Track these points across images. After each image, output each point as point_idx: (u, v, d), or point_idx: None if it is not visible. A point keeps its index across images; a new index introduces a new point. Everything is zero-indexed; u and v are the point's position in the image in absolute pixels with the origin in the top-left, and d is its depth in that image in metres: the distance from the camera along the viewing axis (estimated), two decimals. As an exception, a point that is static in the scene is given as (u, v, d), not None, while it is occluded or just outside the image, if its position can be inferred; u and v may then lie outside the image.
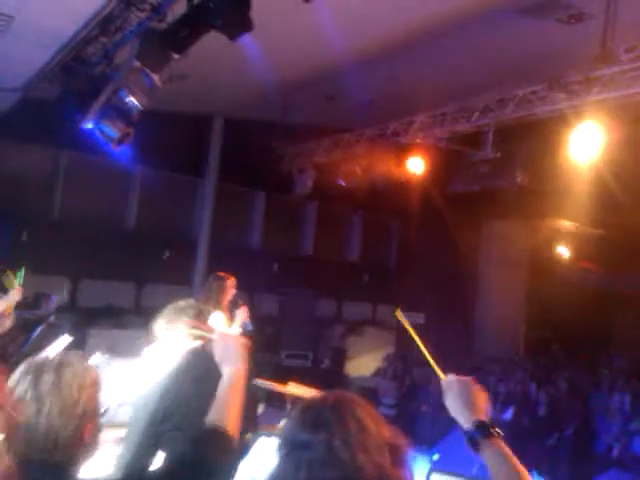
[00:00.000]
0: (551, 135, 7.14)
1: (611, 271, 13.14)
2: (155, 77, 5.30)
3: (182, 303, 3.53)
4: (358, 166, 9.44)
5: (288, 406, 7.00)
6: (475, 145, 7.80)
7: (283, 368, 11.44)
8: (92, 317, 10.42)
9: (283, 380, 7.08)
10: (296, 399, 6.91)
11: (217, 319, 5.97)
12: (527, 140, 7.69)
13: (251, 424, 3.56)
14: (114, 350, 5.27)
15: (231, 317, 6.08)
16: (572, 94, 6.35)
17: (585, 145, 6.38)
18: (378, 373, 13.03)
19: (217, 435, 1.96)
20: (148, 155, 9.06)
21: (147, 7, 5.00)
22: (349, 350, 13.41)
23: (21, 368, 1.78)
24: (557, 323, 13.37)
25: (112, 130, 6.11)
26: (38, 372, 1.75)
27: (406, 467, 1.50)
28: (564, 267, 13.29)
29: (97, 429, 1.85)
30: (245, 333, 6.19)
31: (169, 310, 3.46)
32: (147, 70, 5.01)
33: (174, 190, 11.48)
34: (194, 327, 3.37)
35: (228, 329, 5.97)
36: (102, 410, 1.93)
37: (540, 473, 5.88)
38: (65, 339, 4.87)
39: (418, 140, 8.30)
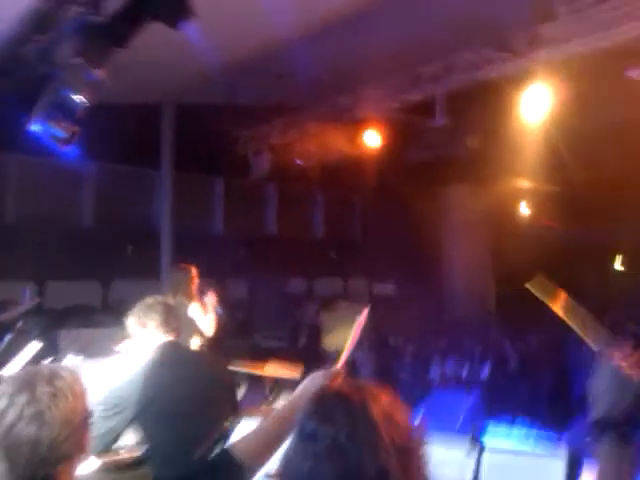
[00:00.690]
0: (502, 98, 7.22)
1: (570, 226, 13.44)
2: (98, 72, 5.19)
3: (150, 300, 3.55)
4: (313, 144, 9.41)
5: (267, 388, 7.08)
6: (428, 114, 7.84)
7: (260, 350, 11.47)
8: (61, 318, 10.29)
9: (261, 362, 7.13)
10: (276, 380, 7.00)
11: (194, 311, 6.03)
12: (478, 105, 7.76)
13: (231, 411, 3.61)
14: (86, 350, 5.23)
15: (203, 305, 6.15)
16: (517, 55, 6.43)
17: (534, 106, 6.48)
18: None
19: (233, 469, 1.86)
20: (99, 150, 8.88)
21: (83, 1, 4.86)
22: (324, 326, 13.51)
23: (3, 387, 1.74)
24: (525, 279, 13.60)
25: (58, 130, 5.96)
26: (31, 387, 1.71)
27: (420, 472, 1.46)
28: (526, 226, 13.55)
29: (90, 436, 1.86)
30: (219, 317, 6.27)
31: (138, 309, 3.49)
32: (89, 66, 4.89)
33: (130, 183, 11.32)
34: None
35: (204, 318, 6.03)
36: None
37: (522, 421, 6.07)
38: (34, 345, 4.81)
39: (371, 113, 8.31)
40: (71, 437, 1.72)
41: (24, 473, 1.54)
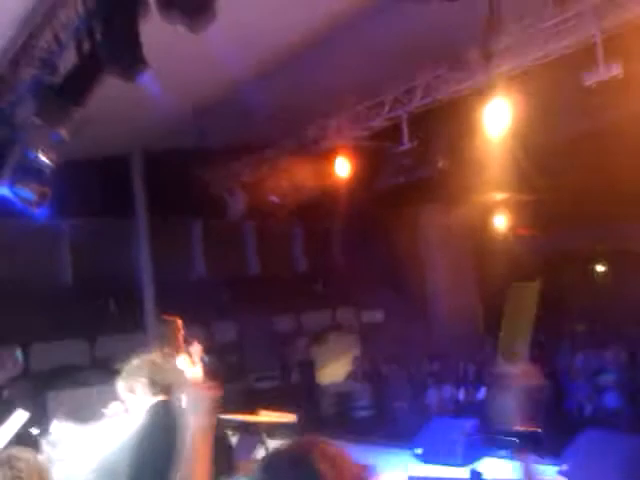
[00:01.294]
0: (465, 115, 7.31)
1: (552, 233, 13.52)
2: (60, 131, 5.19)
3: (136, 361, 3.51)
4: (285, 179, 9.44)
5: (263, 434, 6.96)
6: (395, 138, 7.91)
7: (254, 393, 11.34)
8: (48, 380, 10.14)
9: (254, 406, 7.04)
10: (270, 426, 6.91)
11: (182, 363, 5.98)
12: (442, 124, 7.85)
13: (225, 468, 3.58)
14: (76, 413, 5.13)
15: (190, 356, 6.11)
16: (473, 72, 6.54)
17: (496, 120, 6.58)
18: (349, 377, 13.08)
19: None
20: (72, 207, 8.86)
21: (36, 62, 4.88)
22: (316, 360, 13.40)
23: None
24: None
25: (28, 192, 5.95)
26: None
27: None
28: (504, 237, 13.61)
29: None
30: (207, 366, 6.22)
31: (125, 372, 3.47)
32: (49, 126, 4.89)
33: (106, 236, 11.21)
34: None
35: (193, 369, 5.98)
36: None
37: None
38: (21, 415, 4.71)
39: (338, 143, 8.37)
40: None
41: None
